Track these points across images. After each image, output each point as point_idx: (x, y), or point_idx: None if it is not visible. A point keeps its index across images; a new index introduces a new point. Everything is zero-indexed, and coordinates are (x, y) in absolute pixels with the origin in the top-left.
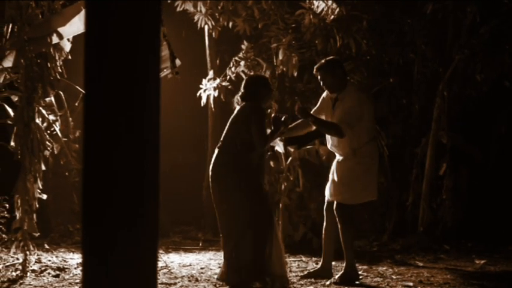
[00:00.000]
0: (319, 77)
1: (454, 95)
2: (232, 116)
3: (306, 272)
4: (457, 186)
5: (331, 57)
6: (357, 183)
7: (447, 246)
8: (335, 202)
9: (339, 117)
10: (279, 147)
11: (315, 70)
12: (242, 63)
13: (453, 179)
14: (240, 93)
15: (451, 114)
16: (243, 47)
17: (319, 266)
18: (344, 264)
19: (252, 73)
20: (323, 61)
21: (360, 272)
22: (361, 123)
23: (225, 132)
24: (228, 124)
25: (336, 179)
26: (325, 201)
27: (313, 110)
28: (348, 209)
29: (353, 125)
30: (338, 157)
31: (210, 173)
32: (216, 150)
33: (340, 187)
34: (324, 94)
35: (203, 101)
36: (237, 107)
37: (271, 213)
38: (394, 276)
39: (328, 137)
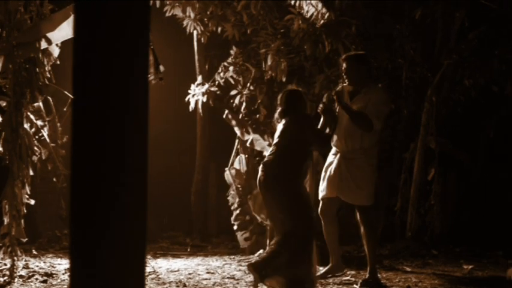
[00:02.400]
0: (343, 66)
1: (443, 100)
2: (280, 131)
3: (319, 274)
4: (445, 191)
5: (361, 52)
6: (371, 184)
7: (435, 252)
8: (357, 207)
9: (366, 110)
10: (267, 151)
11: (342, 59)
12: (231, 68)
13: (441, 184)
14: (279, 110)
15: (439, 119)
16: (232, 52)
17: (330, 264)
18: (368, 270)
19: (241, 78)
20: (352, 52)
21: (348, 278)
22: (381, 122)
23: (276, 144)
24: (277, 138)
25: (346, 179)
26: (321, 200)
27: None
28: (370, 212)
29: (381, 120)
30: (343, 154)
31: (263, 184)
32: (269, 159)
33: (358, 190)
34: (338, 88)
35: (191, 106)
36: (280, 124)
37: (310, 234)
38: (382, 282)
39: (339, 130)
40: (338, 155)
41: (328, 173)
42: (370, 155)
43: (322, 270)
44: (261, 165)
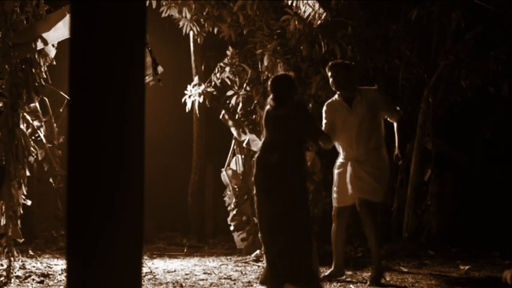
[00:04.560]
0: (331, 74)
1: (439, 101)
2: (276, 118)
3: (322, 276)
4: (441, 192)
5: (346, 61)
6: (388, 181)
7: (432, 252)
8: (365, 202)
9: (386, 113)
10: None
11: (328, 67)
12: (227, 69)
13: (438, 184)
14: (271, 97)
15: (435, 120)
16: (228, 53)
17: (332, 267)
18: (374, 266)
19: (237, 79)
20: (338, 61)
21: (343, 278)
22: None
23: (277, 135)
24: (276, 127)
25: (365, 178)
26: (334, 205)
27: (324, 123)
28: (376, 208)
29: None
30: (356, 158)
31: (278, 179)
32: (274, 153)
33: (378, 187)
34: (326, 106)
35: (188, 106)
36: (274, 110)
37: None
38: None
39: (348, 136)
40: (350, 161)
41: (343, 181)
42: (381, 154)
43: (325, 272)
44: (269, 154)
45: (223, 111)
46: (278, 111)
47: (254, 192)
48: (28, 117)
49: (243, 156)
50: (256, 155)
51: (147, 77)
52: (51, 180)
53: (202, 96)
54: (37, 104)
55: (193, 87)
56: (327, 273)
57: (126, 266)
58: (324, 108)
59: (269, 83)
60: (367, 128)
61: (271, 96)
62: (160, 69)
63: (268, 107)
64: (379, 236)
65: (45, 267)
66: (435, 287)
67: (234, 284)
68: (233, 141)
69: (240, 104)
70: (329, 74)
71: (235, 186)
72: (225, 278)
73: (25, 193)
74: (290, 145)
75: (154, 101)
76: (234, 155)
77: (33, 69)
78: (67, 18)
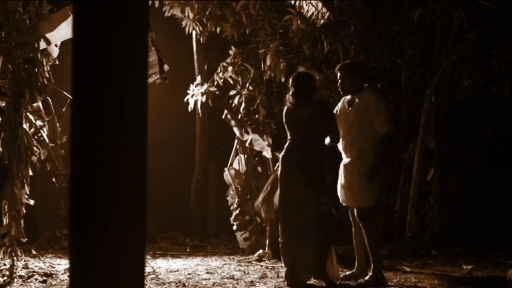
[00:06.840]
0: (338, 76)
1: (442, 100)
2: (298, 120)
3: (343, 275)
4: (444, 191)
5: (355, 61)
6: (367, 185)
7: (435, 252)
8: (355, 209)
9: (376, 118)
10: (267, 152)
11: (337, 69)
12: (230, 68)
13: (441, 184)
14: (291, 92)
15: (438, 120)
16: (231, 52)
17: (355, 269)
18: (371, 269)
19: (240, 79)
20: (347, 62)
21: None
22: (393, 122)
23: (300, 135)
24: (300, 128)
25: (344, 184)
26: (345, 205)
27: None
28: (368, 213)
29: (391, 119)
30: (345, 160)
31: (301, 168)
32: (298, 153)
33: (354, 192)
34: (340, 104)
35: (191, 106)
36: (295, 107)
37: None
38: (387, 282)
39: (342, 139)
40: (341, 163)
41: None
42: (368, 158)
43: (346, 273)
44: (293, 153)
45: (225, 111)
46: (299, 110)
47: (279, 187)
48: (31, 116)
49: (245, 156)
50: (281, 155)
51: (154, 75)
52: (54, 179)
53: (204, 96)
54: (40, 104)
55: (195, 86)
56: (347, 274)
57: (129, 265)
58: (338, 105)
59: (291, 79)
60: (352, 133)
61: (291, 92)
62: (166, 67)
63: (288, 104)
64: (375, 240)
65: (48, 267)
66: (438, 286)
67: (237, 283)
68: (236, 140)
69: (243, 104)
70: (338, 75)
71: (238, 186)
72: (227, 278)
73: (28, 193)
74: (313, 144)
75: (157, 100)
76: (236, 154)
77: (36, 69)
78: (70, 18)
